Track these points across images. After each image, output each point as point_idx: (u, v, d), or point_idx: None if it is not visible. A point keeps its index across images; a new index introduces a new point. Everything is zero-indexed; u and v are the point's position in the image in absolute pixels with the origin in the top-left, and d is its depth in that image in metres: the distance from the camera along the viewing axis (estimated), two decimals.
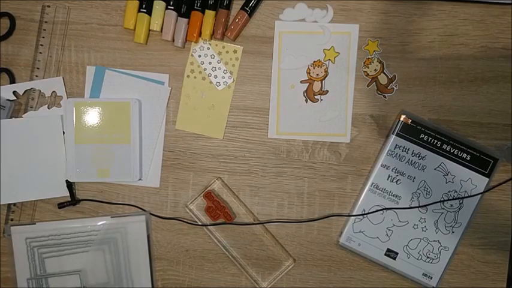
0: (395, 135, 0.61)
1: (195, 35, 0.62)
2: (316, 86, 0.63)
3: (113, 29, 0.64)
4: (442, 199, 0.61)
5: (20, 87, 0.63)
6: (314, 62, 0.63)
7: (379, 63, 0.62)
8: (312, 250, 0.63)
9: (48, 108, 0.63)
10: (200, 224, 0.63)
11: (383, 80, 0.62)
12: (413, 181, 0.61)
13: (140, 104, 0.62)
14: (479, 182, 0.60)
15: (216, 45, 0.63)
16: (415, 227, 0.61)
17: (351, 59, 0.62)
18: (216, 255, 0.64)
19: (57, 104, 0.63)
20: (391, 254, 0.61)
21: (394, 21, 0.62)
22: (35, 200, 0.63)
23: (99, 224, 0.62)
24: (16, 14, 0.63)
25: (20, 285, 0.61)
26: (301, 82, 0.63)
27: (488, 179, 0.60)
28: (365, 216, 0.61)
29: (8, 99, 0.63)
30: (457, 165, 0.60)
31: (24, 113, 0.63)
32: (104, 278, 0.62)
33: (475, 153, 0.60)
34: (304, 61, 0.63)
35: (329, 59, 0.63)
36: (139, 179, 0.62)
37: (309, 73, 0.63)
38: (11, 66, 0.64)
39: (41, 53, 0.63)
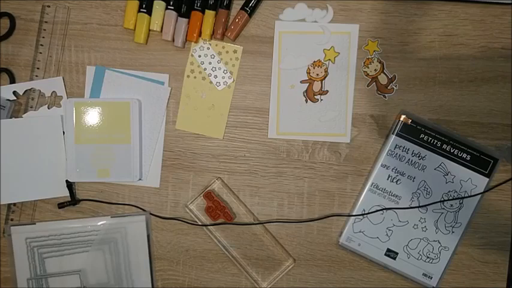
0: (396, 135, 0.61)
1: (195, 35, 0.62)
2: (316, 86, 0.63)
3: (113, 29, 0.64)
4: (442, 199, 0.61)
5: (20, 87, 0.63)
6: (314, 62, 0.63)
7: (379, 63, 0.62)
8: (312, 250, 0.63)
9: (48, 108, 0.63)
10: (200, 224, 0.63)
11: (383, 80, 0.62)
12: (413, 181, 0.61)
13: (140, 104, 0.62)
14: (479, 182, 0.60)
15: (216, 45, 0.63)
16: (415, 227, 0.61)
17: (351, 59, 0.62)
18: (216, 255, 0.64)
19: (57, 104, 0.63)
20: (391, 254, 0.61)
21: (394, 21, 0.62)
22: (35, 200, 0.63)
23: (99, 224, 0.62)
24: (16, 14, 0.63)
25: (20, 285, 0.61)
26: (301, 82, 0.63)
27: (488, 179, 0.60)
28: (365, 216, 0.61)
29: (8, 99, 0.63)
30: (457, 165, 0.60)
31: (24, 113, 0.63)
32: (104, 278, 0.62)
33: (475, 153, 0.60)
34: (304, 61, 0.63)
35: (329, 59, 0.63)
36: (139, 179, 0.62)
37: (309, 73, 0.63)
38: (11, 66, 0.64)
39: (41, 53, 0.63)
